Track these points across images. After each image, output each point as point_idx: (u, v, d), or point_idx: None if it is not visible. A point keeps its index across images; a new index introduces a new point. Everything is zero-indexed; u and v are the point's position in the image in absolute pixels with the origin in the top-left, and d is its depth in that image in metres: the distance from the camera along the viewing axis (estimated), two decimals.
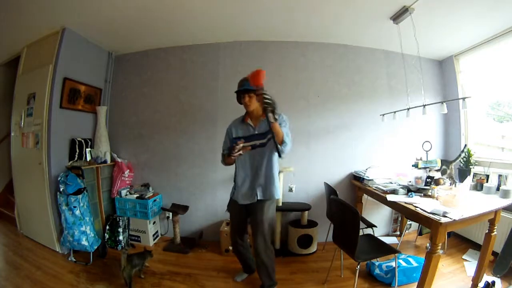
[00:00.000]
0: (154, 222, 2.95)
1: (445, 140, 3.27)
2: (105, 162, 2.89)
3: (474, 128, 3.05)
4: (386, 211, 3.06)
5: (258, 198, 1.85)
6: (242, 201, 1.91)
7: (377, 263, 2.20)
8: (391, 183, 2.51)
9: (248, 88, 1.76)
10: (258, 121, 1.89)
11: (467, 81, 3.06)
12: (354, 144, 3.04)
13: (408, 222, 2.98)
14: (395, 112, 2.62)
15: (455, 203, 1.94)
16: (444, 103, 2.15)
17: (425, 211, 1.74)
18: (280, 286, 2.10)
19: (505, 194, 2.06)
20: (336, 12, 2.36)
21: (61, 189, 2.37)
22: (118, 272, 2.27)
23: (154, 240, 2.90)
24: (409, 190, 2.21)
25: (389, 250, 1.91)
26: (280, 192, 1.99)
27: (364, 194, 2.78)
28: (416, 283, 1.80)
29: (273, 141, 1.71)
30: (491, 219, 1.90)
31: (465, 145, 2.67)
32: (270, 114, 1.62)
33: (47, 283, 2.06)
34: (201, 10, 2.32)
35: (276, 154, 1.78)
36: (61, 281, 2.10)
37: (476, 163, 2.62)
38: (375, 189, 2.43)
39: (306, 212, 2.74)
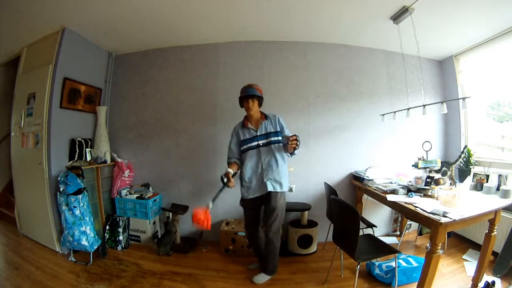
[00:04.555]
0: (154, 222, 2.95)
1: (445, 140, 3.27)
2: (105, 162, 2.89)
3: (474, 128, 3.05)
4: (386, 211, 3.06)
5: (270, 189, 2.06)
6: (252, 194, 2.12)
7: (377, 263, 2.20)
8: (391, 183, 2.51)
9: (254, 94, 2.07)
10: (258, 124, 2.16)
11: (467, 81, 3.05)
12: (354, 144, 3.04)
13: (408, 222, 2.98)
14: (395, 112, 2.62)
15: (455, 203, 1.94)
16: (444, 103, 2.15)
17: (425, 211, 1.74)
18: (280, 286, 2.11)
19: (505, 194, 2.06)
20: (336, 12, 2.36)
21: (61, 189, 2.37)
22: (118, 272, 2.28)
23: (154, 239, 2.90)
24: (409, 190, 2.21)
25: (389, 250, 1.91)
26: (287, 186, 2.17)
27: (364, 194, 2.78)
28: (416, 283, 1.80)
29: (279, 145, 2.11)
30: (491, 219, 1.90)
31: (465, 146, 2.67)
32: (294, 151, 1.96)
33: (47, 283, 2.06)
34: (201, 10, 2.32)
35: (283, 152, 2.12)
36: (61, 281, 2.10)
37: (476, 163, 2.61)
38: (375, 189, 2.43)
39: (306, 212, 2.74)
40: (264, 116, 2.18)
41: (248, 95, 2.08)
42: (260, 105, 2.18)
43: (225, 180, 1.94)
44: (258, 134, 2.13)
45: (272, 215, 2.07)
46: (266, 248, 2.17)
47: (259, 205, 2.20)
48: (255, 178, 2.11)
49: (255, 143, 2.11)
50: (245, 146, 2.14)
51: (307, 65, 3.02)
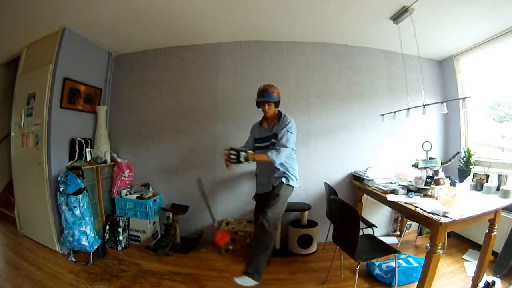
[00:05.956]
0: (154, 222, 2.95)
1: (445, 140, 3.27)
2: (105, 162, 2.89)
3: (474, 128, 3.05)
4: (386, 211, 3.06)
5: (275, 184, 2.09)
6: (261, 190, 2.23)
7: (377, 263, 2.20)
8: (391, 183, 2.51)
9: (269, 100, 2.09)
10: (271, 124, 2.21)
11: (467, 81, 3.06)
12: (354, 144, 3.04)
13: (408, 222, 2.98)
14: (395, 112, 2.62)
15: (455, 203, 1.94)
16: (444, 103, 2.15)
17: (425, 211, 1.73)
18: (280, 286, 2.11)
19: (505, 194, 2.06)
20: (336, 12, 2.36)
21: (61, 189, 2.37)
22: (118, 272, 2.29)
23: (154, 240, 2.90)
24: (409, 190, 2.21)
25: (389, 250, 1.91)
26: (295, 182, 2.16)
27: (364, 194, 2.78)
28: (416, 283, 1.80)
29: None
30: (491, 219, 1.90)
31: (457, 152, 2.65)
32: (237, 163, 1.91)
33: (47, 283, 2.06)
34: (201, 10, 2.32)
35: (292, 150, 2.12)
36: (61, 281, 2.10)
37: (476, 163, 2.62)
38: (375, 189, 2.43)
39: (306, 212, 2.74)
40: (277, 118, 2.17)
41: (264, 101, 2.08)
42: (277, 106, 2.18)
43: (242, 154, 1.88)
44: (271, 134, 2.18)
45: (273, 200, 1.95)
46: (254, 239, 1.89)
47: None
48: (264, 175, 2.20)
49: (268, 143, 2.17)
50: (258, 145, 2.25)
51: (307, 65, 3.02)
